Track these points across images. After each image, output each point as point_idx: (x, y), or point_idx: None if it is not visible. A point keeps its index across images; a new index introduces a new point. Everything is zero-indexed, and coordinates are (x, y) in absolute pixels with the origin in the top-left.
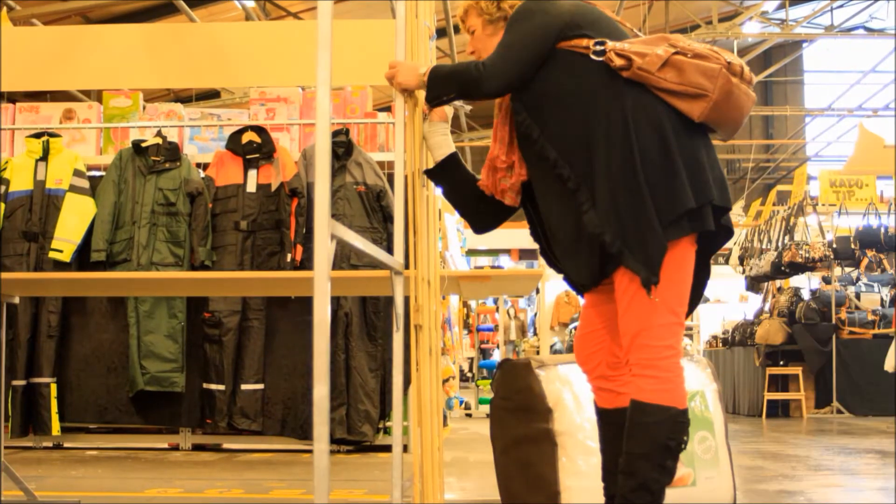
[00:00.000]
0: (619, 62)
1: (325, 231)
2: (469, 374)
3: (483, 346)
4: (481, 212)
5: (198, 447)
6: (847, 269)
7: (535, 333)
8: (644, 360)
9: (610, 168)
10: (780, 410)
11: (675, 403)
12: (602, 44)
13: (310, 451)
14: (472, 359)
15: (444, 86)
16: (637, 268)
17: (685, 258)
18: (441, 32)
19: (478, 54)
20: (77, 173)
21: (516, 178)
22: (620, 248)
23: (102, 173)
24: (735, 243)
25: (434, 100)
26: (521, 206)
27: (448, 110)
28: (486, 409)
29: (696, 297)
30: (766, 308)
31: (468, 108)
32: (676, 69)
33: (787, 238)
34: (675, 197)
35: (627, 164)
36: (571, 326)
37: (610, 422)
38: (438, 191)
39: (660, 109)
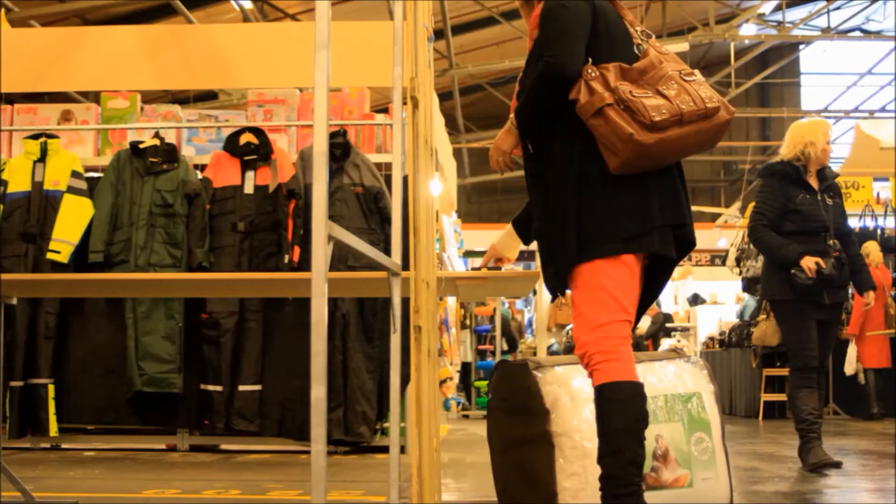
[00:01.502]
0: (573, 94)
1: (323, 232)
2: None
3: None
4: None
5: (195, 448)
6: None
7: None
8: (607, 349)
9: (556, 183)
10: (776, 412)
11: (637, 378)
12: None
13: (307, 452)
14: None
15: (532, 108)
16: (550, 279)
17: (625, 271)
18: (438, 34)
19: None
20: (75, 174)
21: None
22: (547, 260)
23: (100, 175)
24: (732, 245)
25: (529, 126)
26: None
27: None
28: (483, 410)
29: (650, 298)
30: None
31: None
32: (604, 120)
33: None
34: (609, 223)
35: (569, 183)
36: (568, 328)
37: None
38: (435, 192)
39: None
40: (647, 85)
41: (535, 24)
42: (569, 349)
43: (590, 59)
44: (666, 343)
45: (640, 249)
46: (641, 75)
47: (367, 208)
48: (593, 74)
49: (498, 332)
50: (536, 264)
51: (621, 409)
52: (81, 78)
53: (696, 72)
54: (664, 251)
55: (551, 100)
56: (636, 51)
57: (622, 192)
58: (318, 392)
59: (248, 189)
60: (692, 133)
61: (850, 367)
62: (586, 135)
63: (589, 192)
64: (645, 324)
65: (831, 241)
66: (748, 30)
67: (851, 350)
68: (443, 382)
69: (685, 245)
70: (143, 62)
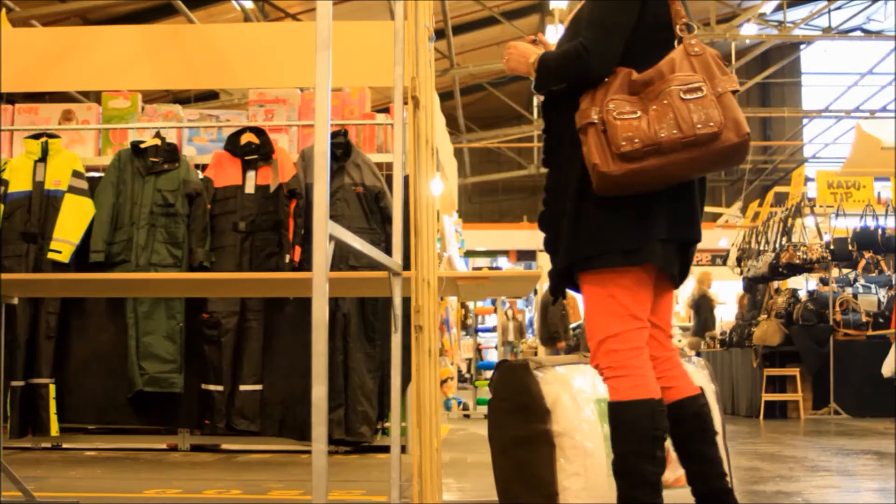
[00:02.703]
0: (581, 96)
1: (324, 232)
2: (467, 375)
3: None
4: None
5: (196, 448)
6: (844, 271)
7: (533, 334)
8: (615, 364)
9: (561, 182)
10: (777, 411)
11: (651, 394)
12: None
13: (308, 452)
14: (469, 360)
15: (550, 77)
16: (551, 278)
17: (633, 279)
18: (439, 34)
19: None
20: (76, 174)
21: None
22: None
23: (101, 174)
24: (733, 244)
25: (542, 88)
26: None
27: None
28: (484, 409)
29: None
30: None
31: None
32: (584, 138)
33: (784, 239)
34: (611, 233)
35: (571, 188)
36: (570, 327)
37: (676, 417)
38: (436, 192)
39: None
40: (645, 100)
41: None
42: (570, 349)
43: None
44: None
45: (640, 262)
46: (644, 87)
47: (368, 208)
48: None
49: (499, 332)
50: (537, 265)
51: (627, 431)
52: (82, 77)
53: (721, 80)
54: (666, 267)
55: (567, 84)
56: (675, 44)
57: (626, 201)
58: (319, 392)
59: (249, 189)
60: (682, 161)
61: (888, 369)
62: None
63: (592, 199)
64: None
65: None
66: (749, 29)
67: (892, 352)
68: (443, 382)
69: (685, 267)
70: (144, 62)
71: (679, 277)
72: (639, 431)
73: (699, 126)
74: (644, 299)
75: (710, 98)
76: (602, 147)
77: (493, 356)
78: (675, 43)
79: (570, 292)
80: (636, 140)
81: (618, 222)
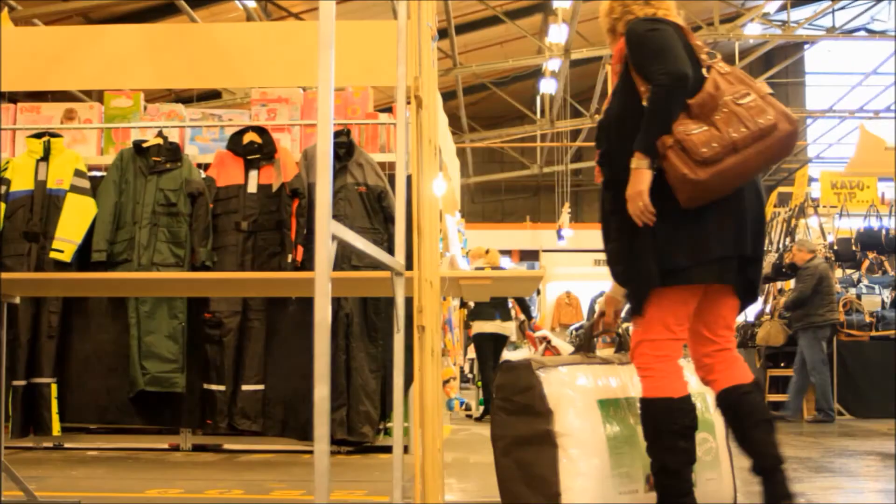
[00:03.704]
0: None
1: (326, 232)
2: (469, 376)
3: None
4: None
5: (198, 448)
6: (848, 271)
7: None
8: (643, 365)
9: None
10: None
11: (671, 394)
12: None
13: (310, 452)
14: (472, 360)
15: (664, 122)
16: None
17: (675, 297)
18: (442, 33)
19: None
20: (78, 173)
21: None
22: (623, 282)
23: (103, 173)
24: None
25: (653, 145)
26: None
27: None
28: None
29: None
30: (767, 310)
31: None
32: (668, 162)
33: (788, 240)
34: (662, 256)
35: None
36: (573, 328)
37: (722, 406)
38: (439, 192)
39: None
40: (703, 117)
41: (619, 57)
42: (573, 350)
43: None
44: None
45: (687, 282)
46: (701, 109)
47: (371, 208)
48: None
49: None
50: (540, 265)
51: (650, 424)
52: (84, 77)
53: (757, 86)
54: (722, 281)
55: (678, 110)
56: (704, 73)
57: (682, 225)
58: (322, 392)
59: (252, 188)
60: (752, 155)
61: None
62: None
63: (647, 224)
64: None
65: None
66: (753, 29)
67: None
68: (446, 382)
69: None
70: (146, 61)
71: (746, 291)
72: (657, 425)
73: (760, 121)
74: (681, 314)
75: (757, 100)
76: (686, 161)
77: None
78: (704, 71)
79: (573, 294)
80: (714, 144)
81: (665, 247)
